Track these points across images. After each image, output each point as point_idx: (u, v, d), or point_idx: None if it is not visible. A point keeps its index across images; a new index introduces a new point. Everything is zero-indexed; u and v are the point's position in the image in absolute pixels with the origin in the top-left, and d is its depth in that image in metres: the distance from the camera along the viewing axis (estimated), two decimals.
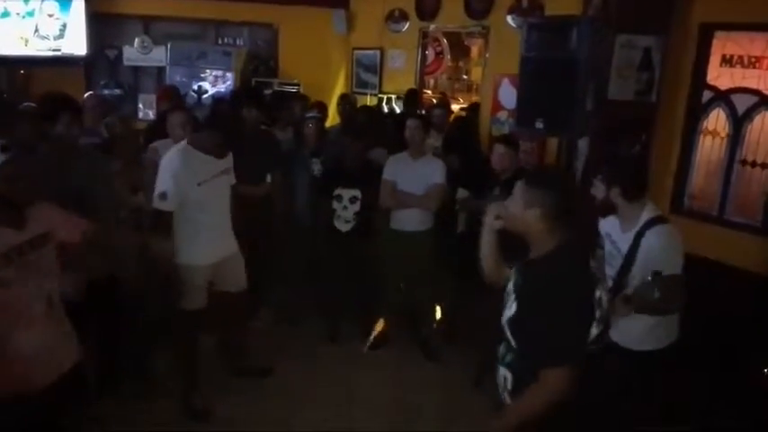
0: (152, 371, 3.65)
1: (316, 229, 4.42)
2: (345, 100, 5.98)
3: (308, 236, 4.45)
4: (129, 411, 3.34)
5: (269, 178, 4.35)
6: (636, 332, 2.63)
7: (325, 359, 4.13)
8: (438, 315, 4.54)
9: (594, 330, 1.88)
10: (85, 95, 4.84)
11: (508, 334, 1.97)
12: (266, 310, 4.52)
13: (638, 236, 2.60)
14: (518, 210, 1.98)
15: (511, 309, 1.96)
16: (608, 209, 2.70)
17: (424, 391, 3.81)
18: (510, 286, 2.02)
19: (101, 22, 6.78)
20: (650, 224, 2.61)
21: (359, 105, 6.29)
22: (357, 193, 4.22)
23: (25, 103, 4.32)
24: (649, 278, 2.39)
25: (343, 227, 4.27)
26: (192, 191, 3.20)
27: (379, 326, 4.38)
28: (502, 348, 2.04)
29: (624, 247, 2.66)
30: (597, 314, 1.88)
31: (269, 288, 4.43)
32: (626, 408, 2.53)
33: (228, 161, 3.46)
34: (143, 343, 3.58)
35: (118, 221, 3.28)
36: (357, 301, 4.46)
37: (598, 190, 2.72)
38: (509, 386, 2.00)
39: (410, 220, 4.09)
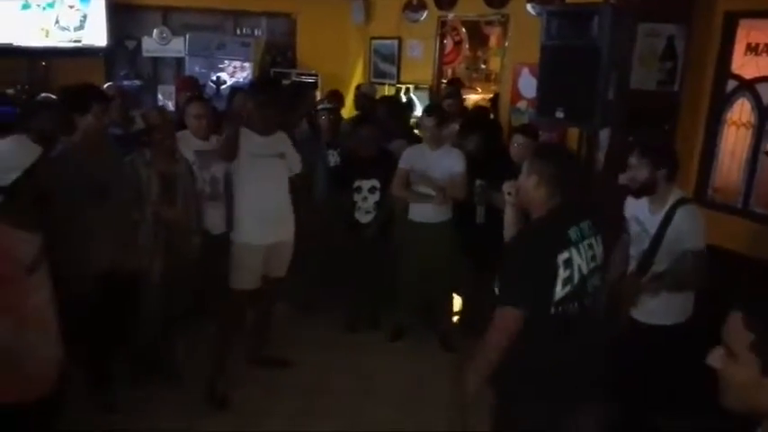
0: (170, 360, 3.68)
1: (334, 220, 4.42)
2: (360, 91, 5.97)
3: (325, 226, 4.44)
4: (143, 400, 3.39)
5: None
6: (663, 307, 2.78)
7: (341, 349, 4.14)
8: (456, 306, 4.53)
9: (560, 290, 2.03)
10: (105, 86, 4.87)
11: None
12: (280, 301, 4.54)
13: (669, 214, 2.75)
14: (522, 180, 2.19)
15: None
16: (649, 189, 2.80)
17: (441, 382, 3.80)
18: None
19: (120, 12, 6.81)
20: (679, 203, 2.76)
21: (378, 96, 6.27)
22: (376, 183, 4.21)
23: (43, 94, 4.35)
24: (682, 254, 2.65)
25: (364, 218, 4.27)
26: (246, 159, 3.34)
27: (397, 316, 4.38)
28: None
29: (652, 227, 2.80)
30: (565, 274, 2.03)
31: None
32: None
33: (282, 145, 3.52)
34: (162, 333, 3.60)
35: (142, 214, 3.30)
36: (376, 292, 4.46)
37: (641, 171, 2.79)
38: None
39: (429, 211, 4.06)
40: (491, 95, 7.45)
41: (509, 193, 2.34)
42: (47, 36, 6.22)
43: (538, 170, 2.14)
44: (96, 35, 6.50)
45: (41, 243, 2.12)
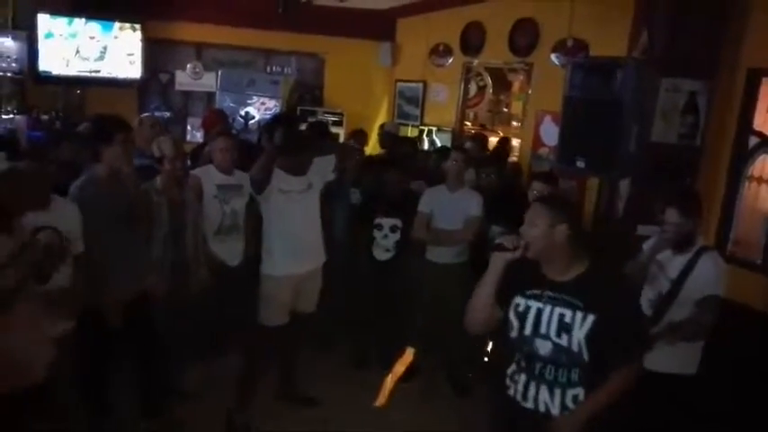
0: (183, 387, 3.71)
1: (352, 256, 4.46)
2: (384, 129, 6.07)
3: (344, 263, 4.48)
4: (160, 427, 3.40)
5: None
6: (670, 356, 2.78)
7: (354, 386, 4.12)
8: (470, 350, 4.51)
9: None
10: (144, 116, 5.01)
11: (584, 350, 2.05)
12: None
13: (694, 259, 2.83)
14: (543, 230, 2.08)
15: (584, 326, 2.04)
16: (691, 241, 2.88)
17: (452, 427, 3.77)
18: (558, 310, 2.09)
19: (156, 47, 7.06)
20: (705, 249, 2.88)
21: (400, 135, 6.37)
22: (398, 222, 4.26)
23: (85, 124, 4.50)
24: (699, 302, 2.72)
25: (383, 255, 4.31)
26: (274, 195, 3.38)
27: (409, 357, 4.37)
28: (561, 372, 2.12)
29: (674, 269, 2.87)
30: None
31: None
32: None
33: (311, 178, 3.57)
34: (177, 359, 3.64)
35: (152, 239, 3.38)
36: (389, 331, 4.46)
37: (684, 226, 2.85)
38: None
39: (446, 252, 4.11)
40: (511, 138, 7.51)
41: (515, 248, 2.13)
42: (67, 66, 6.38)
43: (565, 217, 2.09)
44: (131, 68, 6.72)
45: (16, 246, 2.21)
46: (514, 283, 2.18)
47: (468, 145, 5.38)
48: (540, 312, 2.12)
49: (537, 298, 2.13)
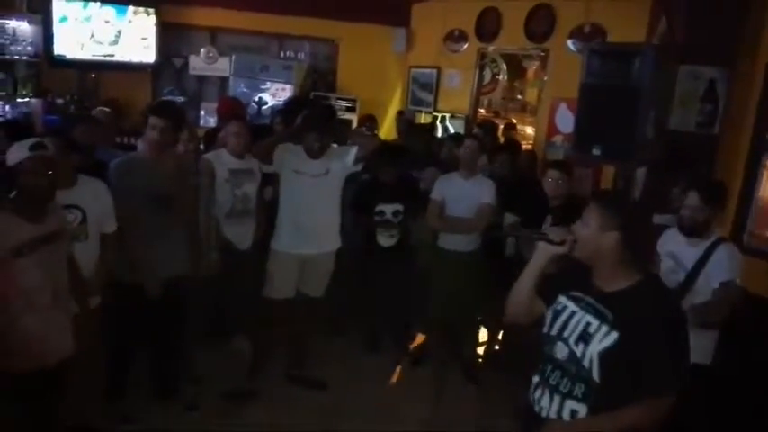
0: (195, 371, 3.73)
1: (356, 242, 4.46)
2: (402, 116, 6.04)
3: (349, 248, 4.49)
4: (163, 410, 3.44)
5: None
6: (702, 346, 2.72)
7: (364, 372, 4.15)
8: (481, 337, 4.51)
9: None
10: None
11: (594, 367, 1.89)
12: None
13: (710, 250, 2.82)
14: (592, 232, 1.93)
15: (603, 341, 1.88)
16: (705, 229, 2.86)
17: (461, 412, 3.78)
18: (587, 318, 1.95)
19: (170, 31, 7.05)
20: (721, 240, 2.87)
21: (416, 124, 6.35)
22: (400, 207, 4.27)
23: (99, 108, 4.52)
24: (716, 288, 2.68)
25: (387, 242, 4.30)
26: (286, 174, 3.56)
27: (420, 341, 4.38)
28: (565, 382, 1.98)
29: (689, 260, 2.86)
30: None
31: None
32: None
33: (330, 164, 3.64)
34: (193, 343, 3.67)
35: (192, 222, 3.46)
36: (398, 316, 4.47)
37: (701, 213, 2.84)
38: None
39: (457, 240, 4.10)
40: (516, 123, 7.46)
41: (561, 242, 1.99)
42: (81, 50, 6.39)
43: (618, 225, 1.90)
44: (146, 52, 6.72)
45: (38, 234, 2.32)
46: (564, 281, 2.07)
47: (476, 131, 5.35)
48: (572, 315, 1.99)
49: (577, 301, 2.01)
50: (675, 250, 2.94)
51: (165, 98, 6.51)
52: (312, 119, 3.57)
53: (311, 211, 3.62)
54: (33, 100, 6.07)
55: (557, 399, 1.99)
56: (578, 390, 1.94)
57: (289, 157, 3.58)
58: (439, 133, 6.72)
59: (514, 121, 7.57)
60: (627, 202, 2.28)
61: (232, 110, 4.79)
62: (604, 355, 1.88)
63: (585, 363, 1.91)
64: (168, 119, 3.18)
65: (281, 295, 3.67)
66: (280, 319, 3.70)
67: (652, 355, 1.83)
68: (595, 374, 1.89)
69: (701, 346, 2.79)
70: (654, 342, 1.83)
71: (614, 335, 1.87)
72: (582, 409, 1.94)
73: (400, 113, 6.60)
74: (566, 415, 1.96)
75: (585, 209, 1.97)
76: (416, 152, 4.89)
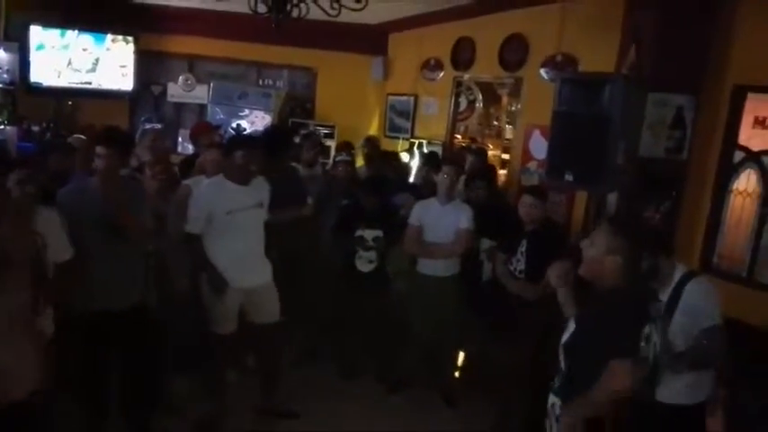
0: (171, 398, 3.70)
1: (335, 268, 4.48)
2: (369, 143, 6.12)
3: (332, 274, 4.50)
4: None
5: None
6: (685, 387, 2.66)
7: (342, 399, 4.11)
8: (460, 361, 4.52)
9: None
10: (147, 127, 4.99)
11: (561, 358, 2.14)
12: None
13: (678, 289, 2.63)
14: (597, 252, 2.06)
15: (565, 335, 2.15)
16: (655, 276, 2.67)
17: None
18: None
19: (148, 59, 7.08)
20: (688, 277, 2.67)
21: (383, 150, 6.38)
22: (380, 233, 4.28)
23: (75, 135, 4.50)
24: (701, 332, 2.53)
25: (366, 267, 4.31)
26: (220, 218, 3.40)
27: (399, 369, 4.37)
28: (554, 380, 2.23)
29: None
30: (644, 351, 2.01)
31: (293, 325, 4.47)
32: None
33: (262, 195, 3.59)
34: (166, 370, 3.63)
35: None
36: (377, 342, 4.47)
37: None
38: (557, 412, 2.14)
39: (436, 265, 4.13)
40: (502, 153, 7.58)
41: (557, 277, 2.25)
42: (58, 77, 6.39)
43: (622, 250, 2.02)
44: (124, 80, 6.73)
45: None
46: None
47: (470, 159, 5.43)
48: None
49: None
50: None
51: (143, 126, 6.48)
52: (239, 138, 3.55)
53: (251, 243, 3.56)
54: (8, 127, 6.02)
55: (549, 395, 2.26)
56: (556, 383, 2.21)
57: (215, 200, 3.43)
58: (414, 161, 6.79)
59: (490, 146, 7.68)
60: (637, 232, 2.26)
61: (204, 133, 4.74)
62: (566, 346, 2.13)
63: (560, 356, 2.17)
64: (112, 147, 3.06)
65: (225, 330, 3.53)
66: (227, 351, 3.63)
67: (600, 335, 2.00)
68: (563, 365, 2.15)
69: (700, 384, 2.72)
70: (600, 326, 2.03)
71: (572, 326, 2.12)
72: (557, 403, 2.18)
73: (367, 140, 6.66)
74: (548, 409, 2.24)
75: (596, 229, 2.15)
76: (387, 178, 4.93)
